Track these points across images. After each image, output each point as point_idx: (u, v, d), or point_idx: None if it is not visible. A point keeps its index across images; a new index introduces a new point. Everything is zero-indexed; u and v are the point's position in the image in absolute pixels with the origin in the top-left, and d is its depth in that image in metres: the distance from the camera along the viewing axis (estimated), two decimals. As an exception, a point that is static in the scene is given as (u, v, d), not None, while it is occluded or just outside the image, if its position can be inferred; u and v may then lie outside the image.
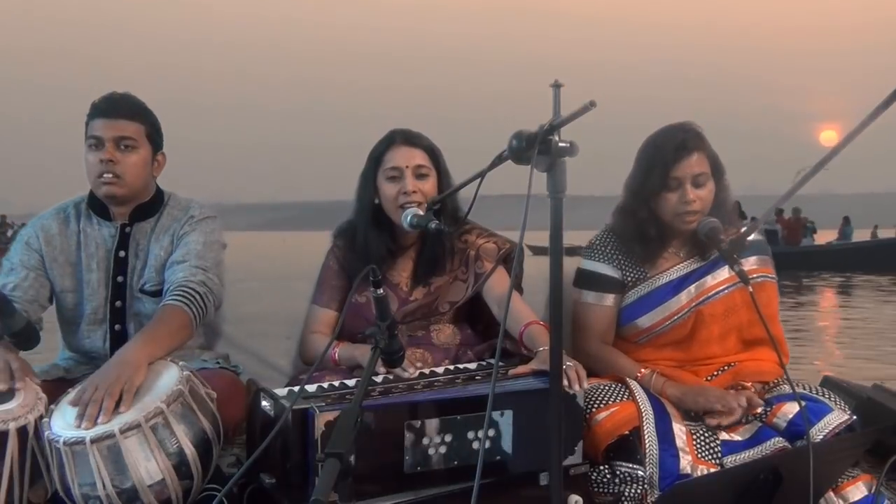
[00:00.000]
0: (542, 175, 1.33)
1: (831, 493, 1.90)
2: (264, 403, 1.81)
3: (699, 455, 1.91)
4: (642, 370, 2.11)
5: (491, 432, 1.76)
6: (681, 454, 1.89)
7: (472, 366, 2.06)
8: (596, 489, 1.90)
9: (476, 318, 2.29)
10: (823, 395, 2.01)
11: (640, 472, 1.87)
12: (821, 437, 1.89)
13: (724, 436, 1.96)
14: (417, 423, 1.70)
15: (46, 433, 1.66)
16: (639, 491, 1.87)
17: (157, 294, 2.06)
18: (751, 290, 1.88)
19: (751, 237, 2.13)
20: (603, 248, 2.22)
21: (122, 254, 2.10)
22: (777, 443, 1.91)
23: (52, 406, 1.73)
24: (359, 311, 2.15)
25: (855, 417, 1.96)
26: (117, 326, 2.10)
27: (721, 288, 2.15)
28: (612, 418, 1.92)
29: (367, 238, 2.17)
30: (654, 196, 2.12)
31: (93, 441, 1.60)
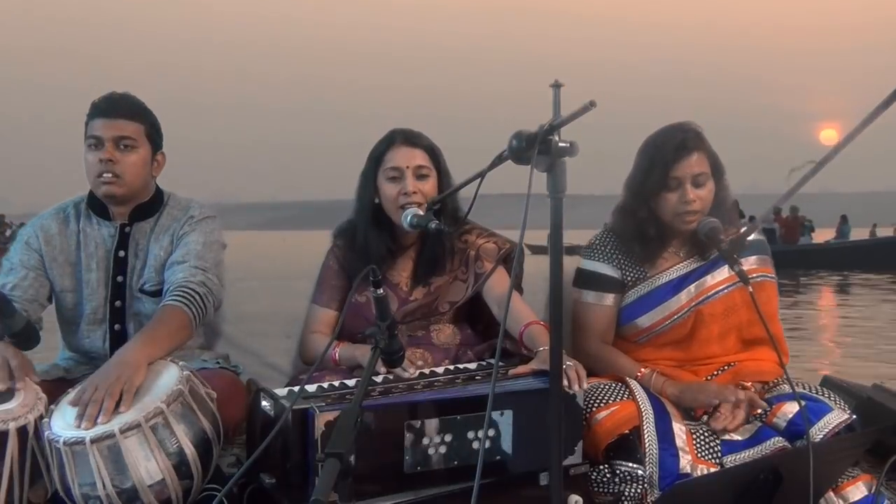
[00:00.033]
0: (542, 174, 1.33)
1: (831, 493, 1.89)
2: (264, 403, 1.80)
3: (699, 455, 1.91)
4: (642, 370, 2.11)
5: (491, 432, 1.75)
6: (681, 454, 1.89)
7: (472, 366, 2.06)
8: (596, 489, 1.90)
9: (476, 318, 2.29)
10: (823, 395, 2.01)
11: (640, 472, 1.87)
12: (821, 436, 1.89)
13: (723, 435, 1.96)
14: (417, 423, 1.70)
15: (46, 433, 1.66)
16: (639, 490, 1.87)
17: (157, 294, 2.06)
18: (750, 289, 1.88)
19: (751, 237, 2.13)
20: (603, 248, 2.22)
21: (121, 254, 2.10)
22: (777, 442, 1.91)
23: (52, 406, 1.73)
24: (359, 310, 2.15)
25: (855, 417, 1.96)
26: (117, 326, 2.10)
27: (721, 287, 2.15)
28: (611, 418, 1.92)
29: (367, 238, 2.17)
30: (653, 196, 2.12)
31: (93, 441, 1.60)
